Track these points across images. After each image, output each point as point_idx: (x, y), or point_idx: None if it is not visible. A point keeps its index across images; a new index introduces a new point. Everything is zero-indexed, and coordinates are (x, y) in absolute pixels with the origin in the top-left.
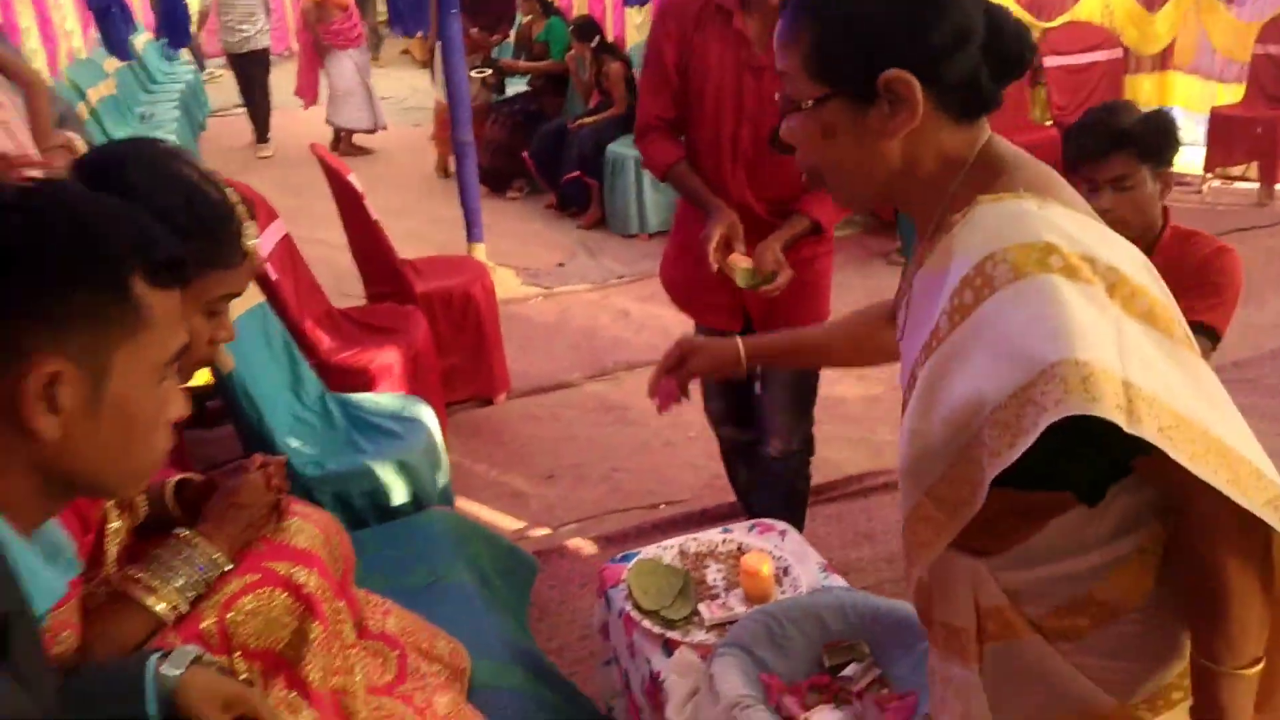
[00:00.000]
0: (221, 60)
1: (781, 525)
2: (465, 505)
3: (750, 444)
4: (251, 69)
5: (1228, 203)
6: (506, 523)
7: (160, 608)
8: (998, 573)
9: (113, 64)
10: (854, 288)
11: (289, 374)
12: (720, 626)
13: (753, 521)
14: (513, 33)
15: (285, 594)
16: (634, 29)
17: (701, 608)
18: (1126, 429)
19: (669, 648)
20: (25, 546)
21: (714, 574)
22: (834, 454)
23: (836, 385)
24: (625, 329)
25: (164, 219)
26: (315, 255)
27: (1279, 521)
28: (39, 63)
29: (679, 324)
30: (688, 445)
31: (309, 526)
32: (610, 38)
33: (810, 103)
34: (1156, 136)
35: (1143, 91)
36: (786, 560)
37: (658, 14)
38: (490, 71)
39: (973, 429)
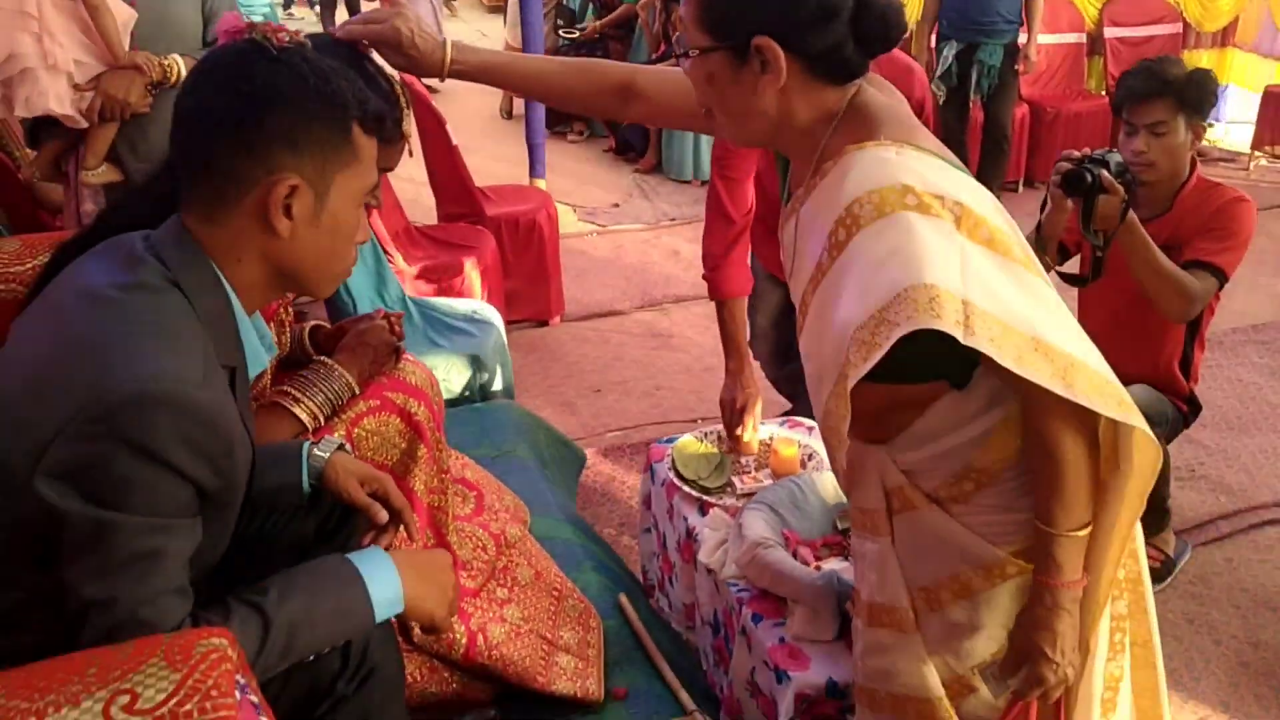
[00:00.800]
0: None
1: (810, 422)
2: None
3: (792, 377)
4: None
5: (1272, 180)
6: (558, 426)
7: (303, 415)
8: (895, 455)
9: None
10: None
11: (375, 276)
12: (750, 495)
13: (784, 417)
14: None
15: (399, 419)
16: None
17: (734, 479)
18: (963, 340)
19: (704, 510)
20: (249, 324)
21: (747, 457)
22: None
23: None
24: (675, 266)
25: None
26: (390, 184)
27: (1100, 404)
28: None
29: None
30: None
31: (419, 370)
32: None
33: (697, 51)
34: (1196, 90)
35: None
36: (812, 448)
37: None
38: (577, 35)
39: (843, 351)
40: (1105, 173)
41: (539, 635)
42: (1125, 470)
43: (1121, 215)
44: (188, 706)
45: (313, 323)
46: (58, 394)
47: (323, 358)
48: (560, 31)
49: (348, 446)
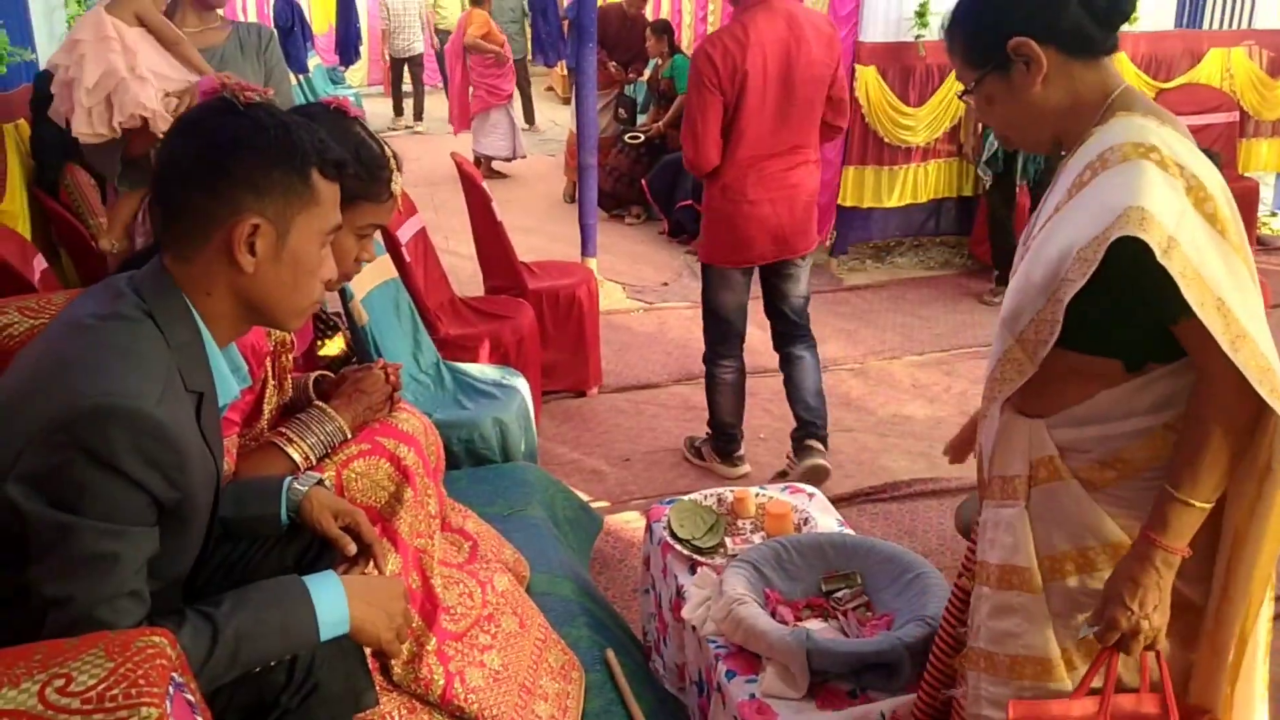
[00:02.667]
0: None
1: (810, 489)
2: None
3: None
4: (414, 69)
5: None
6: (583, 493)
7: (296, 455)
8: (1052, 430)
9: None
10: (943, 321)
11: (411, 341)
12: None
13: (786, 484)
14: (647, 71)
15: (388, 464)
16: None
17: (728, 540)
18: (1159, 259)
19: (695, 569)
20: (219, 355)
21: (743, 520)
22: (892, 463)
23: (906, 405)
24: None
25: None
26: (445, 262)
27: (1256, 380)
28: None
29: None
30: (755, 444)
31: (413, 419)
32: None
33: (973, 84)
34: None
35: (1258, 155)
36: (807, 513)
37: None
38: (642, 139)
39: (1060, 272)
40: None
41: (518, 683)
42: (1277, 471)
43: None
44: (115, 691)
45: (318, 372)
46: (31, 408)
47: (319, 403)
48: (626, 137)
49: (327, 482)
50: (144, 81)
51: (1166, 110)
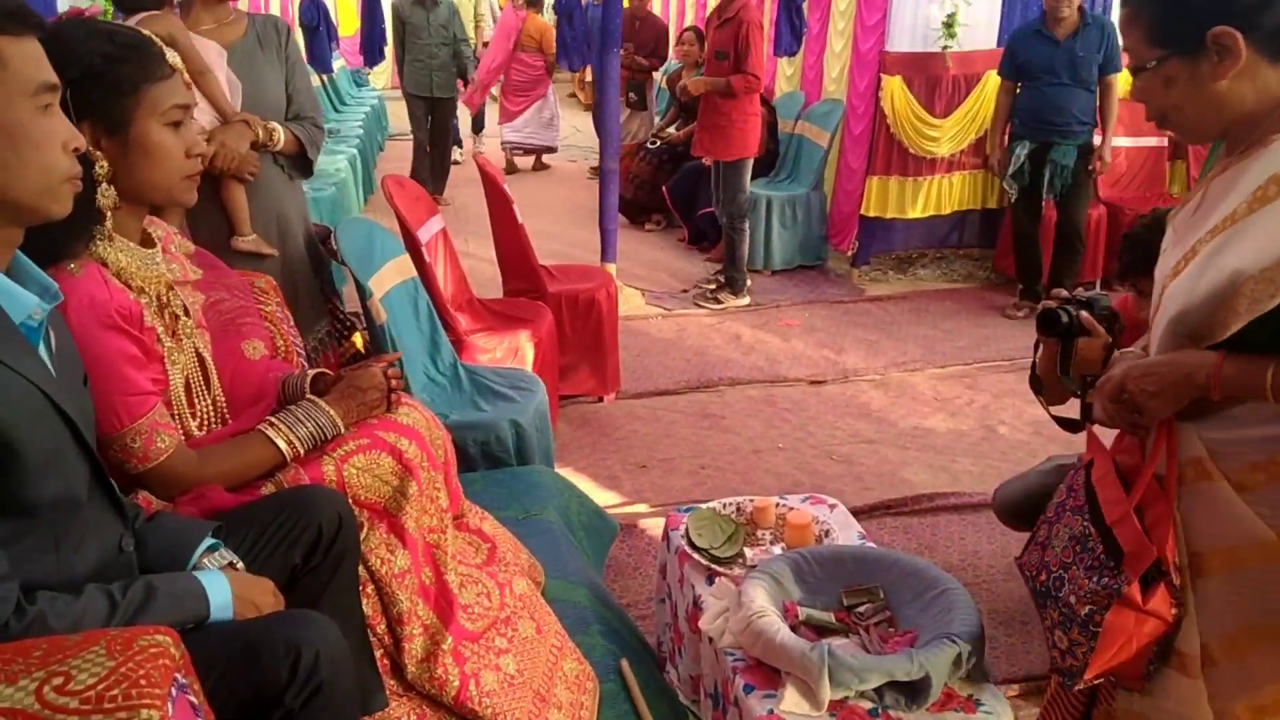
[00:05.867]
0: None
1: (832, 500)
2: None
3: None
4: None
5: None
6: (599, 499)
7: (281, 443)
8: (1204, 431)
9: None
10: (966, 335)
11: (429, 341)
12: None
13: (807, 494)
14: (661, 76)
15: (390, 458)
16: (784, 79)
17: (747, 551)
18: None
19: (712, 579)
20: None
21: (763, 530)
22: (912, 475)
23: (928, 418)
24: (735, 350)
25: (96, 53)
26: (464, 264)
27: None
28: None
29: (784, 350)
30: (774, 454)
31: (414, 412)
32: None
33: (1153, 63)
34: None
35: None
36: (828, 524)
37: None
38: (660, 144)
39: (1235, 285)
40: (1086, 314)
41: (533, 690)
42: None
43: (1104, 359)
44: (114, 691)
45: (316, 370)
46: None
47: (312, 397)
48: (648, 143)
49: (239, 564)
50: None
51: None
